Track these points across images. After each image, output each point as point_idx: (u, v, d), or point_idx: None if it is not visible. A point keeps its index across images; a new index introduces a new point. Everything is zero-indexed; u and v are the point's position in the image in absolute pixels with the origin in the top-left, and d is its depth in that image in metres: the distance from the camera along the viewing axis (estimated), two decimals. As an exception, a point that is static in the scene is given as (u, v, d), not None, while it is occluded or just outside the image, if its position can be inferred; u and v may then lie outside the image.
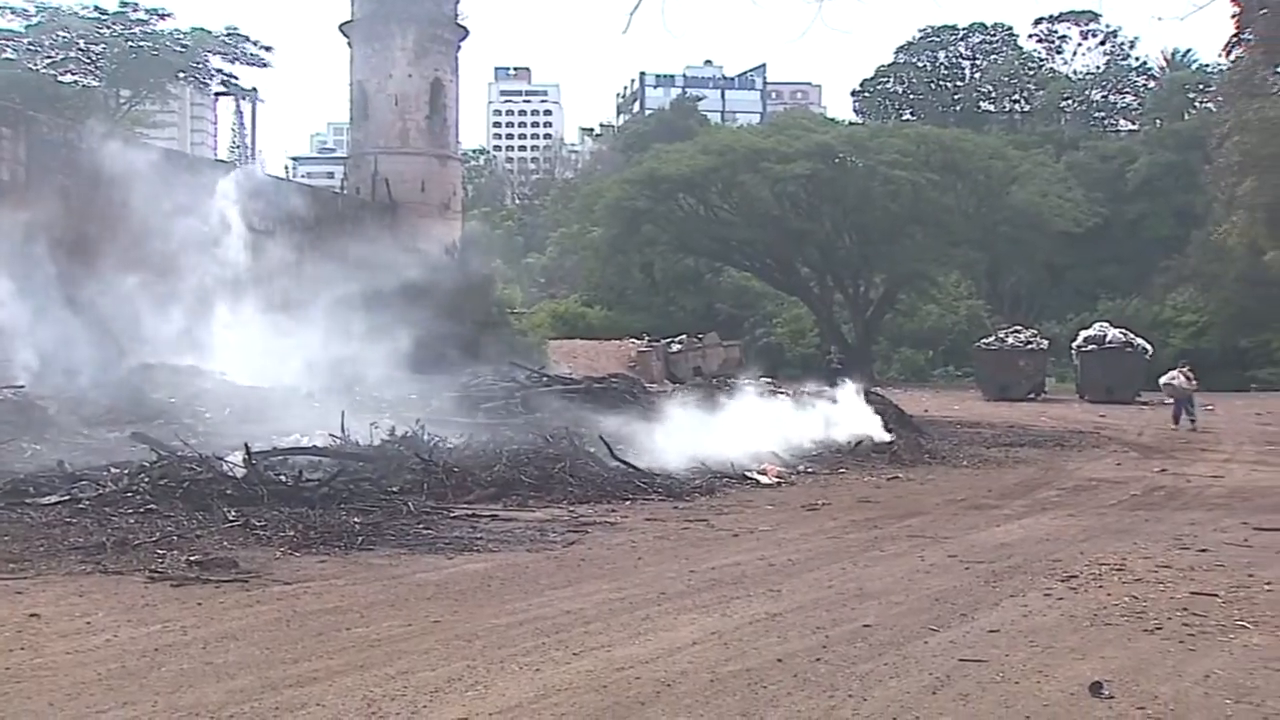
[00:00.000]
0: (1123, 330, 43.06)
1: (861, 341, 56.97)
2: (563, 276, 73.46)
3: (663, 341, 49.99)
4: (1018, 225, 54.57)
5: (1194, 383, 29.90)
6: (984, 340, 45.50)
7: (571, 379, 24.96)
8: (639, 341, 50.19)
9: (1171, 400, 29.77)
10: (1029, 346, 43.25)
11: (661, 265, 59.18)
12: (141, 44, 52.55)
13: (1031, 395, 42.32)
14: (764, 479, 16.71)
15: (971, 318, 62.98)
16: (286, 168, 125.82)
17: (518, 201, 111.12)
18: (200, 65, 55.64)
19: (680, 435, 18.01)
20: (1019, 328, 46.98)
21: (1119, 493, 16.17)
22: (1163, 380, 30.52)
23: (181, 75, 56.11)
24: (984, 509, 14.35)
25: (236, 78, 56.76)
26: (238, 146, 60.17)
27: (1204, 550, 11.05)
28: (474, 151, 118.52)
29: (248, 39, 55.64)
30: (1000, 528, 12.70)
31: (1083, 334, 43.58)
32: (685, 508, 14.00)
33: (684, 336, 50.58)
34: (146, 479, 12.22)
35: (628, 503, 14.14)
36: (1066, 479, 18.04)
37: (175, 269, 20.81)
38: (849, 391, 23.10)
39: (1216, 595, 8.90)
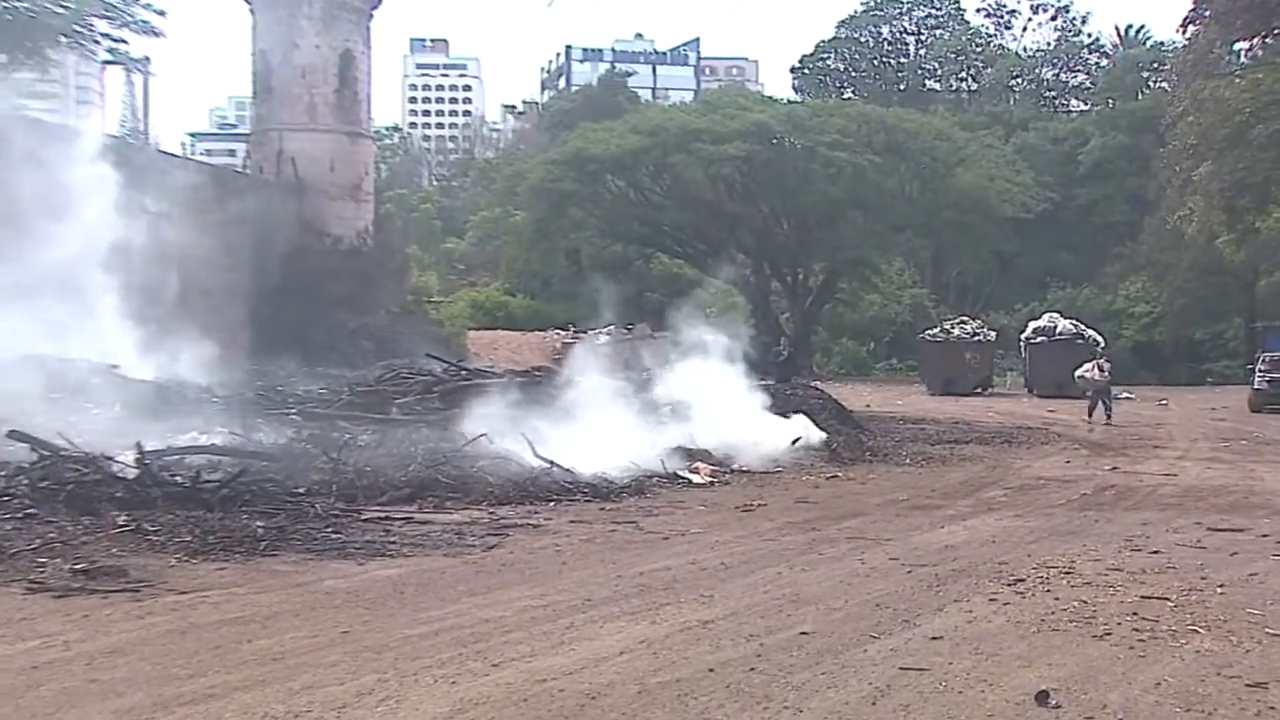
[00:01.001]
0: (1073, 321, 43.71)
1: (800, 332, 57.47)
2: (483, 263, 73.30)
3: (590, 332, 49.96)
4: (964, 210, 55.25)
5: (1108, 375, 30.87)
6: (929, 332, 46.33)
7: (492, 372, 24.80)
8: (564, 332, 50.12)
9: (1089, 394, 30.80)
10: (975, 338, 44.05)
11: (588, 251, 59.26)
12: (16, 4, 51.12)
13: (978, 389, 43.02)
14: (696, 479, 16.76)
15: (916, 308, 63.74)
16: (183, 145, 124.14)
17: (435, 183, 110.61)
18: (84, 30, 54.15)
19: (607, 433, 17.99)
20: (965, 319, 47.88)
21: (1068, 492, 16.41)
22: (1077, 373, 31.70)
23: (64, 39, 54.60)
24: (927, 509, 14.50)
25: (126, 44, 55.40)
26: (128, 121, 58.98)
27: (1156, 552, 11.22)
28: (388, 129, 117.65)
29: (138, 1, 54.36)
30: (944, 529, 12.83)
31: (1032, 325, 44.23)
32: (613, 509, 14.05)
33: (612, 327, 50.63)
34: (26, 481, 11.92)
35: (551, 504, 14.15)
36: (1013, 478, 18.28)
37: (56, 254, 20.26)
38: (787, 388, 23.32)
39: (1168, 599, 9.03)
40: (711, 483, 16.73)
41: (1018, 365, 48.19)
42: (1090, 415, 29.79)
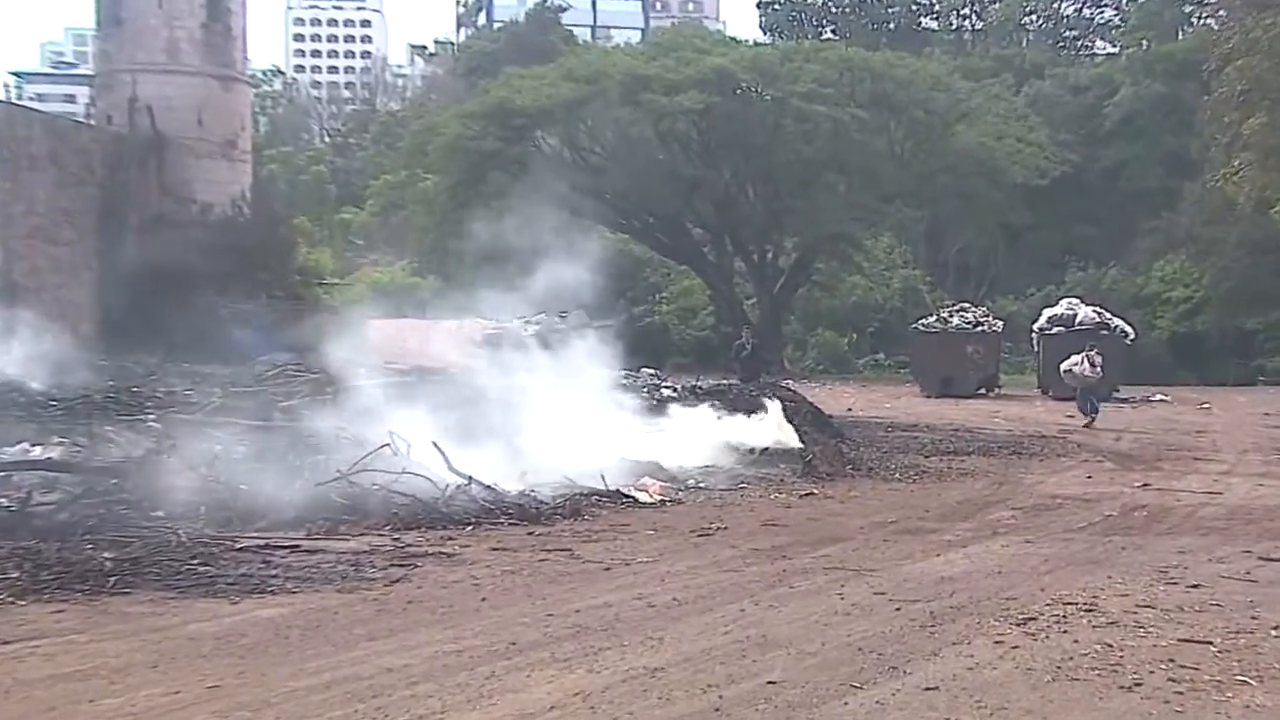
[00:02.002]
0: (1097, 308, 43.67)
1: (769, 322, 57.32)
2: (387, 237, 73.08)
3: (515, 322, 49.75)
4: (965, 175, 55.52)
5: (1100, 371, 31.70)
6: (923, 321, 46.14)
7: (399, 369, 24.64)
8: (485, 322, 49.80)
9: (1075, 391, 31.83)
10: (979, 329, 43.92)
11: (514, 223, 59.00)
12: None
13: (982, 390, 43.01)
14: (643, 497, 16.83)
15: (907, 293, 63.82)
16: (7, 87, 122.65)
17: (328, 139, 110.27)
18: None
19: (537, 442, 18.04)
20: (967, 305, 47.71)
21: (1090, 513, 16.51)
22: (1064, 366, 32.39)
23: None
24: (920, 534, 14.64)
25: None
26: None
27: (1195, 586, 11.26)
28: (268, 73, 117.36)
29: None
30: (940, 557, 12.93)
31: (1046, 313, 44.12)
32: (543, 534, 14.08)
33: (543, 316, 50.46)
34: None
35: (469, 528, 14.17)
36: (1024, 496, 18.36)
37: None
38: (760, 386, 23.41)
39: (1210, 643, 9.05)
40: (662, 502, 16.78)
41: (1030, 361, 48.25)
42: (1084, 413, 30.87)
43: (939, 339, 43.66)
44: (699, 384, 27.39)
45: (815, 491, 18.31)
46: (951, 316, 45.23)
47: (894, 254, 65.95)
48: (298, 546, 12.61)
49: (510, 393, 19.42)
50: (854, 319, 63.88)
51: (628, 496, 16.80)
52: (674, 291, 63.76)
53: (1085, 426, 29.82)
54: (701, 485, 18.47)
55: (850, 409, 33.58)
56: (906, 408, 36.64)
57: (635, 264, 64.11)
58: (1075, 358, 32.11)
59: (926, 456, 23.43)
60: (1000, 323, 45.63)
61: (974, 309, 46.73)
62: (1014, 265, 65.73)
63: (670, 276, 64.46)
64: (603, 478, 17.19)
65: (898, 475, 20.68)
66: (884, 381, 52.01)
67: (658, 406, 22.46)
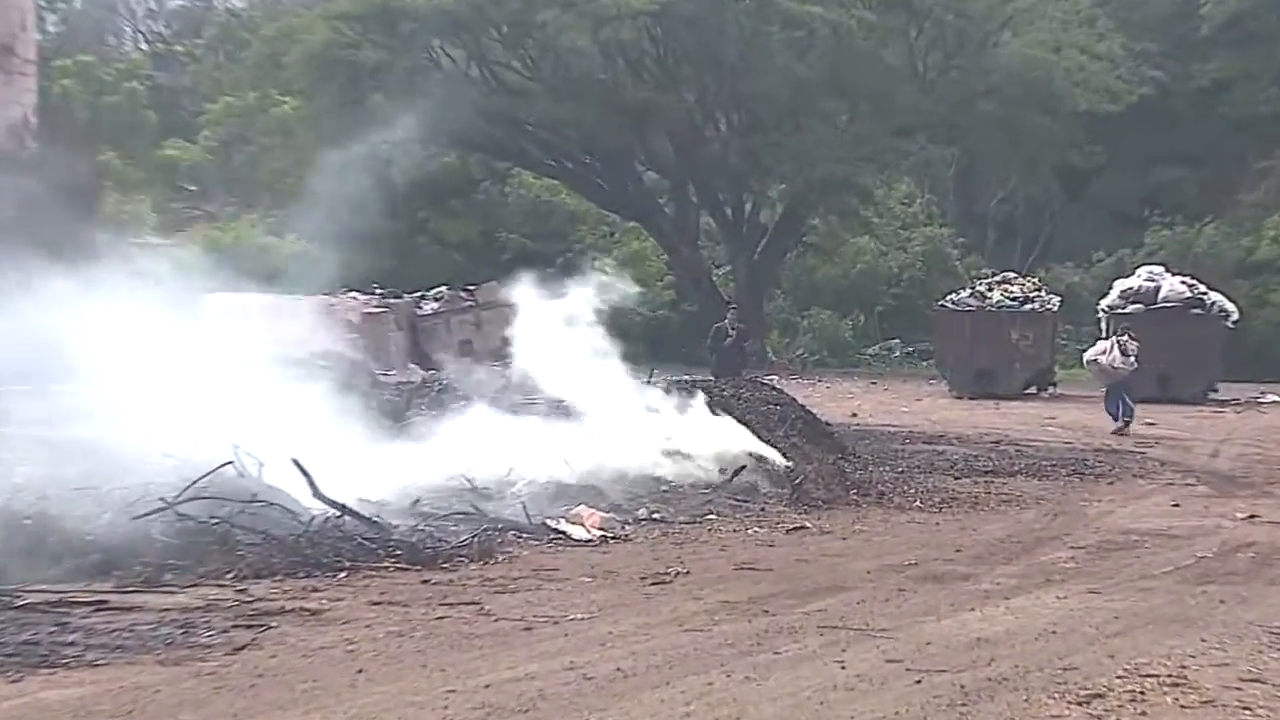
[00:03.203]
0: (1188, 280, 43.77)
1: (747, 298, 56.80)
2: (232, 182, 72.52)
3: (408, 297, 50.20)
4: (1011, 101, 55.79)
5: (1133, 361, 32.40)
6: (952, 297, 46.68)
7: (246, 359, 24.51)
8: (365, 297, 49.60)
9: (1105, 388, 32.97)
10: (1028, 307, 44.49)
11: (404, 164, 58.55)
12: None
13: (1032, 389, 43.44)
14: (577, 531, 16.94)
15: (932, 259, 64.48)
16: None
17: (145, 47, 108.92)
18: None
19: (436, 459, 18.25)
20: (1012, 276, 48.27)
21: (1176, 554, 16.54)
22: (1088, 356, 33.67)
23: None
24: (948, 581, 14.71)
25: None
26: None
27: (1320, 654, 11.27)
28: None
29: None
30: (975, 613, 13.00)
31: (1119, 286, 44.22)
32: (442, 582, 14.09)
33: (444, 289, 50.75)
34: None
35: (342, 574, 14.21)
36: (1088, 530, 18.50)
37: None
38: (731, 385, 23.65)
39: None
40: (603, 537, 16.92)
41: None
42: (1116, 419, 31.84)
43: (974, 321, 44.11)
44: (652, 380, 27.13)
45: (808, 524, 18.44)
46: (991, 290, 45.73)
47: (914, 207, 66.61)
48: (104, 603, 12.50)
49: (397, 390, 19.39)
50: (860, 294, 64.27)
51: (556, 531, 16.88)
52: (619, 257, 61.99)
53: (1114, 433, 30.76)
54: (656, 515, 18.52)
55: (855, 414, 33.91)
56: (930, 412, 36.93)
57: (567, 220, 64.51)
58: (1102, 344, 33.40)
59: (956, 478, 23.65)
60: (1056, 299, 46.20)
61: (1021, 280, 47.27)
62: (1075, 221, 65.75)
63: (614, 237, 64.78)
64: (523, 506, 17.29)
65: (918, 502, 20.85)
66: (899, 377, 52.56)
67: (598, 408, 22.31)
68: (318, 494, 15.89)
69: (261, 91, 63.59)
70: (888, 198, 62.69)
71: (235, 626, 11.89)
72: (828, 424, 25.77)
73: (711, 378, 30.09)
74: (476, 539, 15.93)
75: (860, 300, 64.05)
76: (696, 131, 57.19)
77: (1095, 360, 33.10)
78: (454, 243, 59.53)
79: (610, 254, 62.71)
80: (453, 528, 16.38)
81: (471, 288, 50.42)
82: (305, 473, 16.03)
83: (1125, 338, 32.97)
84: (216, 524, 14.78)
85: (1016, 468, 25.14)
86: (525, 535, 16.68)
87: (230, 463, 15.88)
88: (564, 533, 16.86)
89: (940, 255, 64.08)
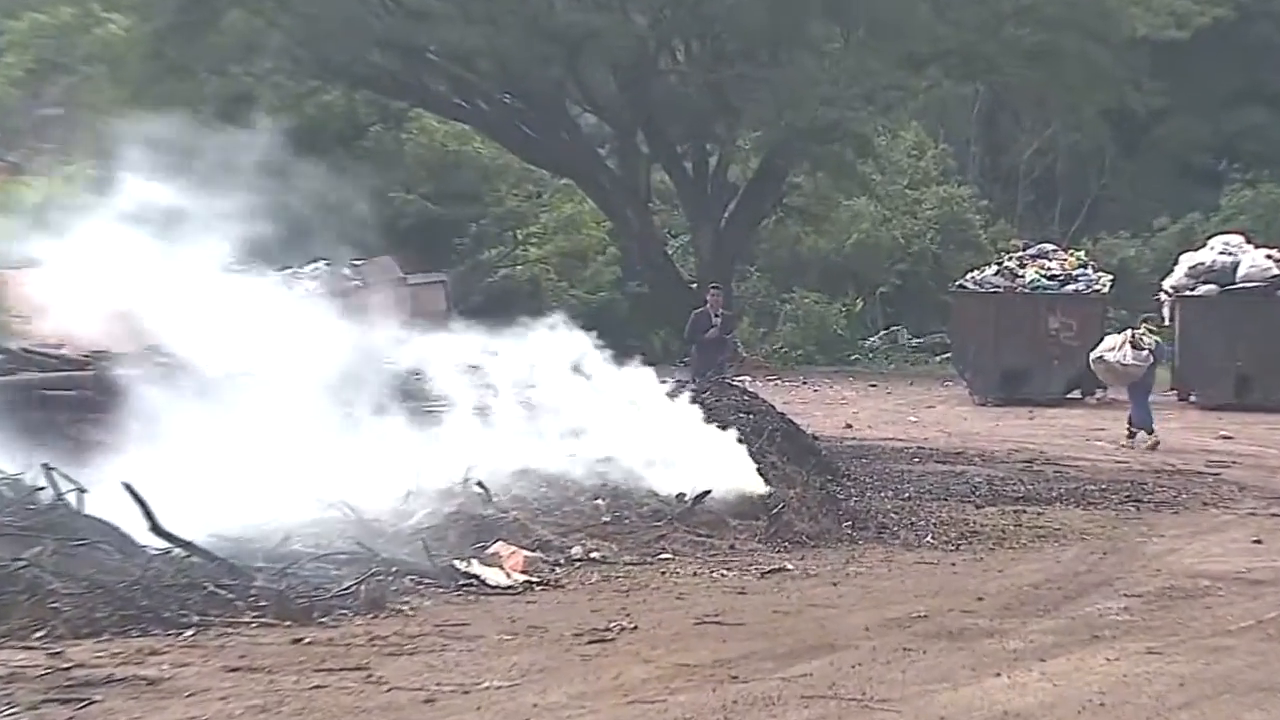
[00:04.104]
0: (1275, 254, 43.67)
1: (713, 276, 54.77)
2: (38, 124, 72.18)
3: (273, 274, 49.15)
4: (1050, 25, 55.47)
5: (1149, 358, 32.93)
6: (974, 276, 46.73)
7: (65, 359, 24.45)
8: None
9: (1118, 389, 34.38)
10: (1071, 288, 44.58)
11: (272, 101, 58.59)
12: None
13: (1076, 393, 43.71)
14: (494, 575, 16.93)
15: (948, 226, 64.61)
16: None
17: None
18: None
19: (312, 482, 18.16)
20: (1050, 247, 48.34)
21: (1258, 604, 16.54)
22: (1094, 354, 33.88)
23: None
24: (967, 639, 14.62)
25: None
26: None
27: None
28: None
29: None
30: (1001, 679, 12.92)
31: (1187, 262, 44.22)
32: (320, 641, 14.00)
33: (321, 265, 50.22)
34: None
35: (189, 632, 14.03)
36: (1145, 574, 18.45)
37: None
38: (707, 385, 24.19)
39: None
40: (528, 583, 16.89)
41: (1160, 344, 48.11)
42: (1132, 431, 32.60)
43: (1002, 306, 44.05)
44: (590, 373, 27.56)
45: (788, 565, 18.48)
46: (1023, 267, 45.60)
47: (926, 161, 66.49)
48: None
49: (261, 392, 19.51)
50: (856, 272, 64.30)
51: (467, 575, 16.86)
52: (549, 223, 63.41)
53: (1126, 443, 31.81)
54: (595, 554, 18.47)
55: (849, 425, 34.10)
56: (945, 423, 37.06)
57: (483, 176, 63.97)
58: (1113, 339, 33.38)
59: (978, 506, 23.75)
60: (1107, 278, 46.15)
61: (1062, 254, 47.12)
62: (1131, 179, 65.99)
63: (542, 199, 64.64)
64: (424, 543, 17.24)
65: (929, 538, 20.90)
66: (905, 378, 52.71)
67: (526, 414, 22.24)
68: (156, 528, 15.72)
69: (80, 7, 62.95)
70: (892, 149, 62.55)
71: (47, 701, 11.69)
72: (814, 438, 25.91)
73: (688, 379, 29.70)
74: (363, 586, 15.78)
75: (856, 280, 64.11)
76: (648, 63, 56.54)
77: (1102, 358, 33.36)
78: (335, 204, 56.71)
79: (537, 220, 63.64)
80: (333, 571, 16.22)
81: (358, 263, 50.22)
82: (140, 501, 15.85)
83: (1141, 329, 33.37)
84: (23, 568, 14.50)
85: (1055, 494, 25.15)
86: (426, 581, 16.62)
87: (41, 489, 15.75)
88: (476, 577, 16.81)
89: (959, 222, 64.18)
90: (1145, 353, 32.51)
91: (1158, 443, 31.48)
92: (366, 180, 59.51)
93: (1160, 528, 22.08)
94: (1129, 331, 33.33)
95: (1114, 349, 32.92)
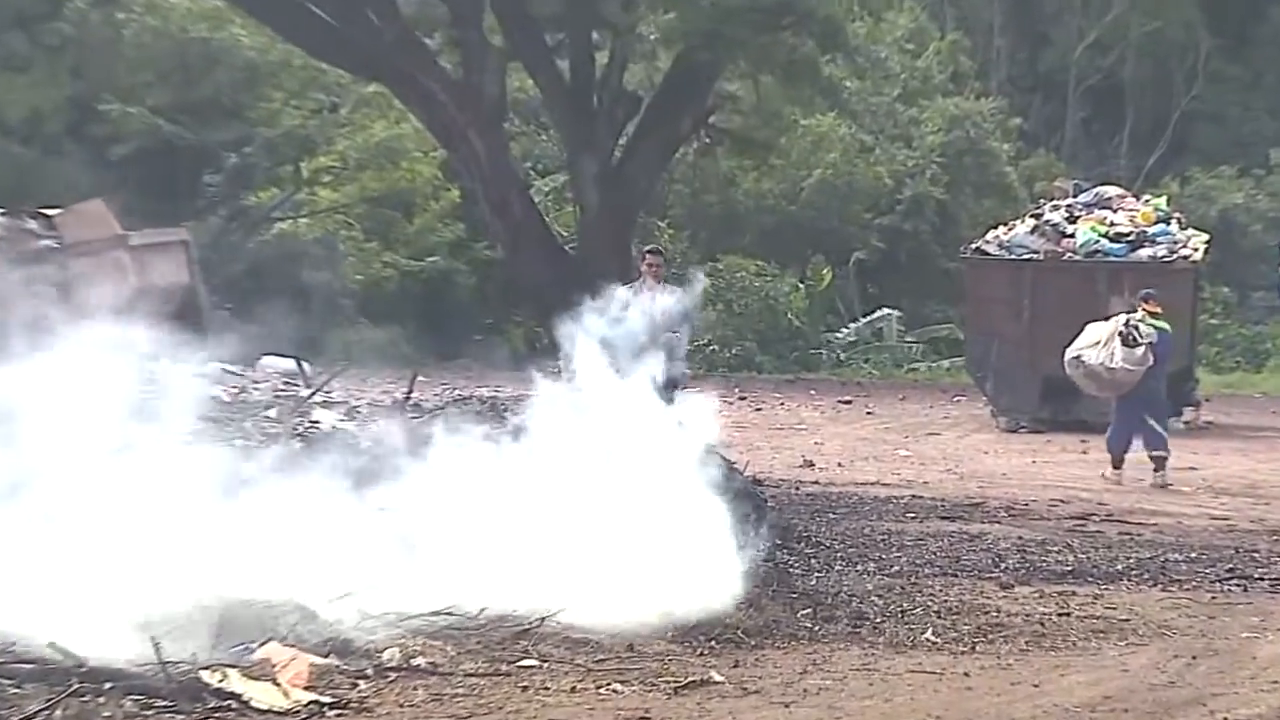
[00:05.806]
0: None
1: (601, 230, 50.04)
2: None
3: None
4: None
5: (1149, 357, 30.79)
6: (999, 234, 42.14)
7: None
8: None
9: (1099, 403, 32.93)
10: (1146, 253, 40.06)
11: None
12: None
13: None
14: (264, 693, 14.32)
15: (961, 155, 60.98)
16: None
17: None
18: None
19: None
20: (1113, 192, 43.68)
21: None
22: (1070, 353, 31.95)
23: None
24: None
25: None
26: None
27: None
28: None
29: None
30: None
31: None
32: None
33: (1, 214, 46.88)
34: None
35: None
36: (1255, 687, 15.66)
37: None
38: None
39: None
40: (315, 704, 14.00)
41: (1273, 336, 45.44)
42: (1114, 459, 30.93)
43: (1040, 279, 39.55)
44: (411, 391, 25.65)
45: (716, 676, 15.35)
46: (1074, 221, 41.12)
47: (928, 58, 62.34)
48: None
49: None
50: (820, 228, 59.87)
51: (222, 694, 14.19)
52: (351, 152, 57.75)
53: (1115, 477, 30.70)
54: (419, 661, 15.35)
55: (811, 463, 32.31)
56: (955, 458, 34.91)
57: (246, 78, 58.09)
58: (1095, 330, 31.49)
59: (1005, 585, 21.07)
60: (1201, 237, 41.34)
61: (1133, 200, 42.59)
62: (1238, 87, 63.10)
63: (340, 113, 59.63)
64: (155, 644, 14.28)
65: (930, 634, 17.88)
66: (895, 389, 50.69)
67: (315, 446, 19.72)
68: None
69: None
70: (876, 38, 57.88)
71: None
72: (756, 482, 24.07)
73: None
74: (57, 712, 13.62)
75: (820, 242, 59.10)
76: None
77: (1080, 359, 31.31)
78: (16, 123, 53.01)
79: (332, 147, 58.00)
80: (12, 690, 13.55)
81: (51, 212, 43.02)
82: None
83: (1139, 315, 30.79)
84: None
85: (1120, 566, 22.37)
86: (159, 702, 13.80)
87: None
88: (235, 695, 14.16)
89: (977, 153, 59.42)
90: (1142, 350, 30.39)
91: (1119, 481, 30.29)
92: (63, 86, 56.91)
93: (1274, 618, 19.28)
94: (1121, 319, 30.78)
95: (1097, 346, 31.14)
